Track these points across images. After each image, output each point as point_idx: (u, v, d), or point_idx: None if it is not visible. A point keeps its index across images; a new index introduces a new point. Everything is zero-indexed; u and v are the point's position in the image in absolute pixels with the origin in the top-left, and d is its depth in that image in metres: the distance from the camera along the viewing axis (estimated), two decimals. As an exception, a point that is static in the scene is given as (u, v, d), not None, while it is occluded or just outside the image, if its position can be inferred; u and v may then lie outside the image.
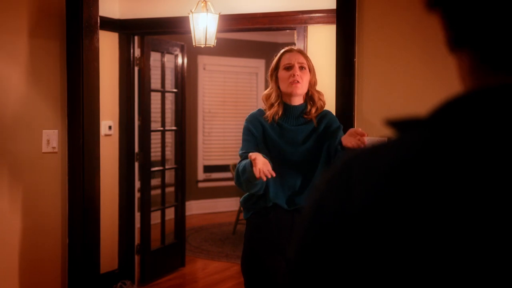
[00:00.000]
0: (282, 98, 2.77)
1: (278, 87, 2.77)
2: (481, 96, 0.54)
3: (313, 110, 2.75)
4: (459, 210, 0.49)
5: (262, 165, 2.50)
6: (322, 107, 2.80)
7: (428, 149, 0.54)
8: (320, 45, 4.07)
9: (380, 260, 0.52)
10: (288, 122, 2.75)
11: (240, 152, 2.75)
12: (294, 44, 4.06)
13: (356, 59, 3.26)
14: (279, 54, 2.82)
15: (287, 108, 2.76)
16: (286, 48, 2.84)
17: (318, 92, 2.81)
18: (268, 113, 2.75)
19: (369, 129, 3.19)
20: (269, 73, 2.84)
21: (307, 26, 4.10)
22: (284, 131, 2.74)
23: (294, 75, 2.71)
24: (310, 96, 2.77)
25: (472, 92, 0.55)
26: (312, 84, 2.78)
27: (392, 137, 0.58)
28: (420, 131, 0.56)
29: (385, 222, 0.52)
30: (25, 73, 3.62)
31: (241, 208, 2.92)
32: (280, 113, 2.74)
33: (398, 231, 0.51)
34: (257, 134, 2.75)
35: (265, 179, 2.51)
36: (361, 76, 3.27)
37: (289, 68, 2.75)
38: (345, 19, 3.30)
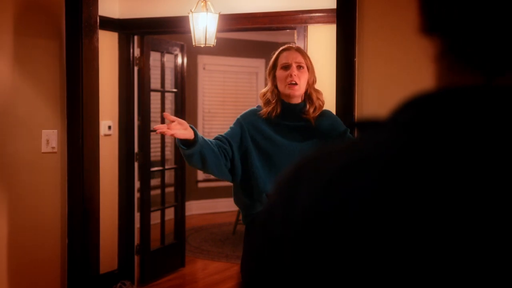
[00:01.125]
0: (281, 96, 2.72)
1: (276, 86, 2.73)
2: (438, 98, 0.52)
3: (311, 110, 2.69)
4: (402, 213, 0.48)
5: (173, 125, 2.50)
6: (321, 106, 2.74)
7: (373, 153, 0.52)
8: (320, 44, 4.06)
9: (323, 270, 0.50)
10: (287, 120, 2.70)
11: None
12: (294, 43, 4.05)
13: (356, 59, 3.25)
14: (277, 52, 2.78)
15: (286, 106, 2.71)
16: (284, 47, 2.79)
17: (317, 91, 2.76)
18: (264, 110, 2.71)
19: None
20: (267, 72, 2.80)
21: (307, 26, 4.10)
22: (283, 129, 2.69)
23: (291, 75, 2.66)
24: (308, 95, 2.72)
25: (427, 93, 0.53)
26: (310, 83, 2.73)
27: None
28: (373, 132, 0.54)
29: (325, 228, 0.50)
30: (25, 72, 3.61)
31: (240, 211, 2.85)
32: (278, 111, 2.70)
33: (338, 236, 0.49)
34: (248, 129, 2.71)
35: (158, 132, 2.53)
36: (362, 76, 3.26)
37: (286, 67, 2.69)
38: (345, 18, 3.29)
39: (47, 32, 3.72)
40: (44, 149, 3.72)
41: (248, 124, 2.72)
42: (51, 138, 3.75)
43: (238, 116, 2.79)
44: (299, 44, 4.07)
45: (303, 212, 0.52)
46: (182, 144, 2.53)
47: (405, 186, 0.49)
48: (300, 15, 4.06)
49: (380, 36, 3.23)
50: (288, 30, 4.37)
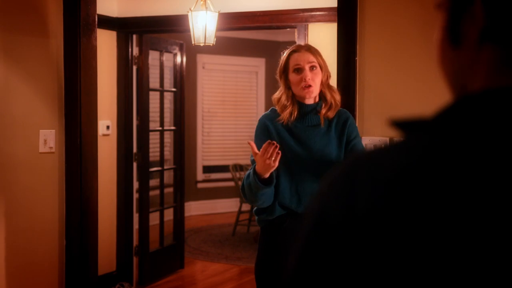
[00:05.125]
0: (296, 98, 2.63)
1: (289, 88, 2.62)
2: (492, 99, 0.51)
3: (324, 110, 2.60)
4: (461, 216, 0.49)
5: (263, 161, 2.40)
6: (337, 105, 2.64)
7: (434, 154, 0.52)
8: (321, 43, 4.02)
9: (384, 270, 0.50)
10: (304, 123, 2.61)
11: (252, 158, 2.57)
12: (294, 43, 4.01)
13: (357, 58, 3.22)
14: (286, 54, 2.66)
15: (302, 107, 2.62)
16: (294, 48, 2.68)
17: (331, 89, 2.65)
18: (282, 116, 2.60)
19: (371, 128, 3.15)
20: (277, 74, 2.68)
21: (307, 25, 4.07)
22: (300, 132, 2.59)
23: (305, 79, 2.56)
24: (322, 94, 2.63)
25: (481, 93, 0.52)
26: (324, 81, 2.62)
27: (396, 138, 0.56)
28: (427, 135, 0.54)
29: (389, 231, 0.50)
30: (22, 71, 3.57)
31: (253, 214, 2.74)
32: (295, 114, 2.59)
33: (402, 239, 0.50)
34: (273, 134, 2.61)
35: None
36: (362, 75, 3.23)
37: (299, 70, 2.59)
38: (346, 17, 3.26)
39: (45, 30, 3.68)
40: (41, 149, 3.68)
41: (273, 133, 2.61)
42: (49, 138, 3.71)
43: (260, 120, 2.68)
44: (299, 43, 4.04)
45: (365, 216, 0.52)
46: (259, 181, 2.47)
47: (439, 193, 0.50)
48: (301, 14, 4.03)
49: (381, 35, 3.20)
50: (288, 29, 4.34)
